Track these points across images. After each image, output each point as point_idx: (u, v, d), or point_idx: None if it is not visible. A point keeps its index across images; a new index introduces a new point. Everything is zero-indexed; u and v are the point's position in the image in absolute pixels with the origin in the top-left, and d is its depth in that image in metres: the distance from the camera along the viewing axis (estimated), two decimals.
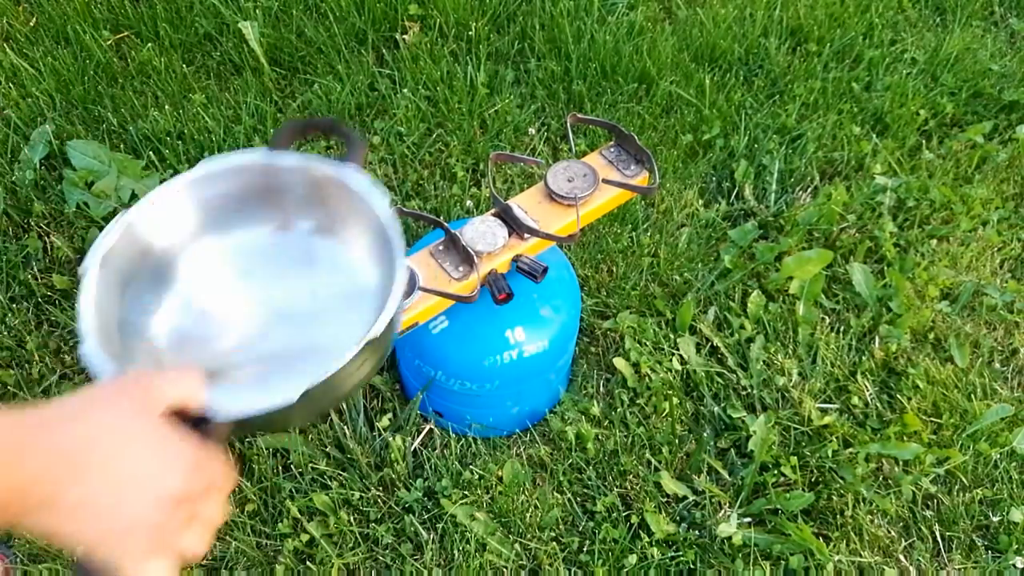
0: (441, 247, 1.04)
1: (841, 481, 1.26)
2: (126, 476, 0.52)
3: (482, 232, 1.04)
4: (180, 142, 1.67)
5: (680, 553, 1.19)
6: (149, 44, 1.86)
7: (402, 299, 0.75)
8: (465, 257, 1.02)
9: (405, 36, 1.89)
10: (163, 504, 0.53)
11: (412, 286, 1.02)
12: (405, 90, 1.77)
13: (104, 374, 0.67)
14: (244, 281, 0.87)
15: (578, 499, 1.26)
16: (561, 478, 1.27)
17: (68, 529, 0.51)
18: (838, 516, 1.23)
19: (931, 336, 1.45)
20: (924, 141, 1.77)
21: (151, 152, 1.64)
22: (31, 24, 1.92)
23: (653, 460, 1.28)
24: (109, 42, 1.87)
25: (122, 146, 1.67)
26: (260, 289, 0.86)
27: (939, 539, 1.23)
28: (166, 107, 1.72)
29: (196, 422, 0.64)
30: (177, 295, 0.85)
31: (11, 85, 1.76)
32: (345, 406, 1.28)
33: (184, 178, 0.83)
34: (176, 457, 0.55)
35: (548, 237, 1.03)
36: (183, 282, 0.85)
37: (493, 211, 1.07)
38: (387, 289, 0.78)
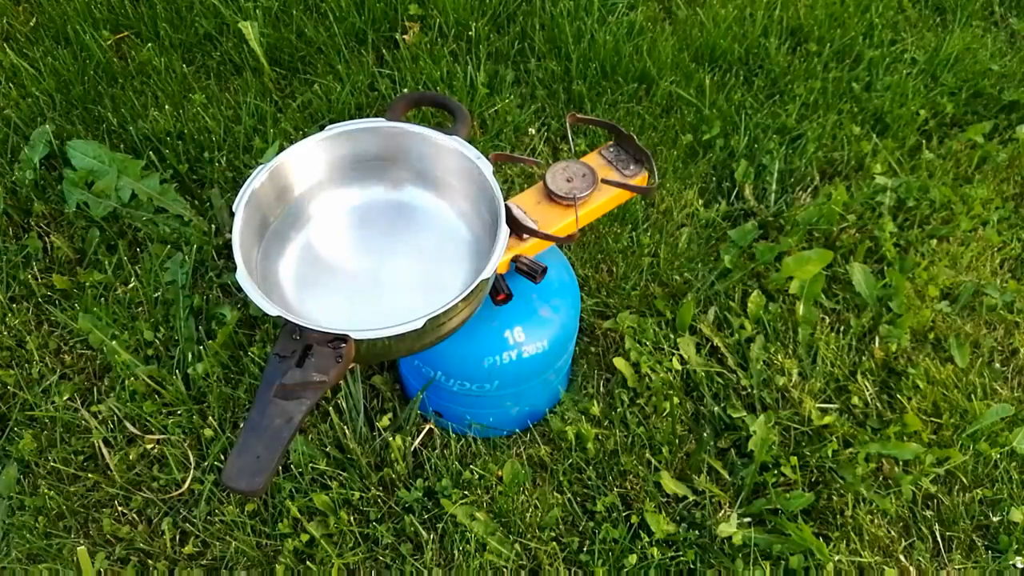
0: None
1: (841, 481, 1.26)
2: None
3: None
4: (180, 142, 1.67)
5: (680, 553, 1.19)
6: (149, 44, 1.86)
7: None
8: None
9: (405, 36, 1.89)
10: None
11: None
12: (405, 90, 1.77)
13: (251, 295, 0.83)
14: (360, 231, 1.05)
15: (578, 499, 1.26)
16: (561, 478, 1.27)
17: None
18: (838, 516, 1.23)
19: (931, 336, 1.45)
20: (924, 141, 1.77)
21: (151, 152, 1.64)
22: (31, 24, 1.92)
23: (653, 460, 1.28)
24: (109, 42, 1.87)
25: (122, 146, 1.67)
26: (373, 239, 1.04)
27: (939, 539, 1.23)
28: (166, 107, 1.72)
29: (334, 342, 0.77)
30: (303, 239, 1.03)
31: (11, 85, 1.77)
32: (345, 405, 1.29)
33: (315, 138, 1.01)
34: None
35: (547, 237, 1.02)
36: (310, 228, 1.04)
37: None
38: (484, 243, 0.98)
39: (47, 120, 1.69)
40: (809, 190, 1.67)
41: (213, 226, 1.55)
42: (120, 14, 1.91)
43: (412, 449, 1.28)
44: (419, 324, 0.84)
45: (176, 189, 1.59)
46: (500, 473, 1.26)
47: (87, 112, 1.73)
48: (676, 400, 1.33)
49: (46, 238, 1.54)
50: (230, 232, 0.92)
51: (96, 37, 1.84)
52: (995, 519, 1.25)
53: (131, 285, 1.46)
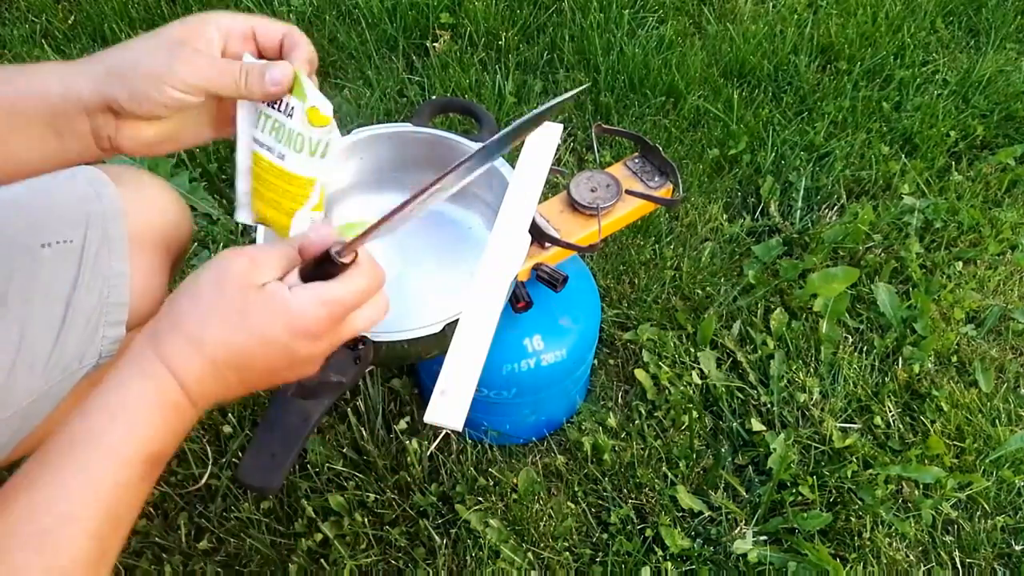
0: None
1: (860, 502, 1.25)
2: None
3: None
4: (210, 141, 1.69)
5: (694, 568, 1.18)
6: None
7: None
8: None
9: (436, 44, 1.91)
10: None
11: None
12: (433, 96, 1.78)
13: None
14: (384, 234, 0.99)
15: (593, 510, 1.25)
16: (576, 488, 1.26)
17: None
18: (856, 538, 1.22)
19: (955, 359, 1.43)
20: (953, 163, 1.76)
21: (181, 150, 1.66)
22: (69, 22, 1.95)
23: (670, 474, 1.27)
24: None
25: None
26: (396, 243, 1.03)
27: (959, 565, 1.21)
28: None
29: (352, 343, 0.76)
30: None
31: None
32: (364, 407, 1.29)
33: (342, 141, 1.00)
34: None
35: (569, 246, 1.02)
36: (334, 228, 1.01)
37: None
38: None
39: None
40: (835, 208, 1.66)
41: (240, 226, 1.57)
42: (156, 14, 1.94)
43: (428, 453, 1.28)
44: (437, 328, 0.85)
45: (205, 188, 1.61)
46: (515, 481, 1.26)
47: None
48: (695, 414, 1.32)
49: None
50: (255, 232, 0.93)
51: (132, 36, 1.87)
52: (1017, 548, 1.23)
53: None
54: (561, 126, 1.04)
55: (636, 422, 1.33)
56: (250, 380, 0.61)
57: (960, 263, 1.56)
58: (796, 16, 2.01)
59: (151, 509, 1.24)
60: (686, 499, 1.24)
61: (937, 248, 1.59)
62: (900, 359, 1.42)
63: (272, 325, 0.58)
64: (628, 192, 1.06)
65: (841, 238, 1.56)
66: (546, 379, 1.17)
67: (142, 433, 0.56)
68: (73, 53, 1.85)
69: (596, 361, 1.40)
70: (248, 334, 0.58)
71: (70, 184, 0.82)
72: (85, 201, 0.82)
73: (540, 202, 1.09)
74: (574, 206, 1.05)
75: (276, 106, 0.70)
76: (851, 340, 1.44)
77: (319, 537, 1.19)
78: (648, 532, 1.21)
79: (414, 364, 1.34)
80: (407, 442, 1.26)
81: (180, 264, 0.97)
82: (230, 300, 0.58)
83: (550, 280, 1.01)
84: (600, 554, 1.20)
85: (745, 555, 1.18)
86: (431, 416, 0.79)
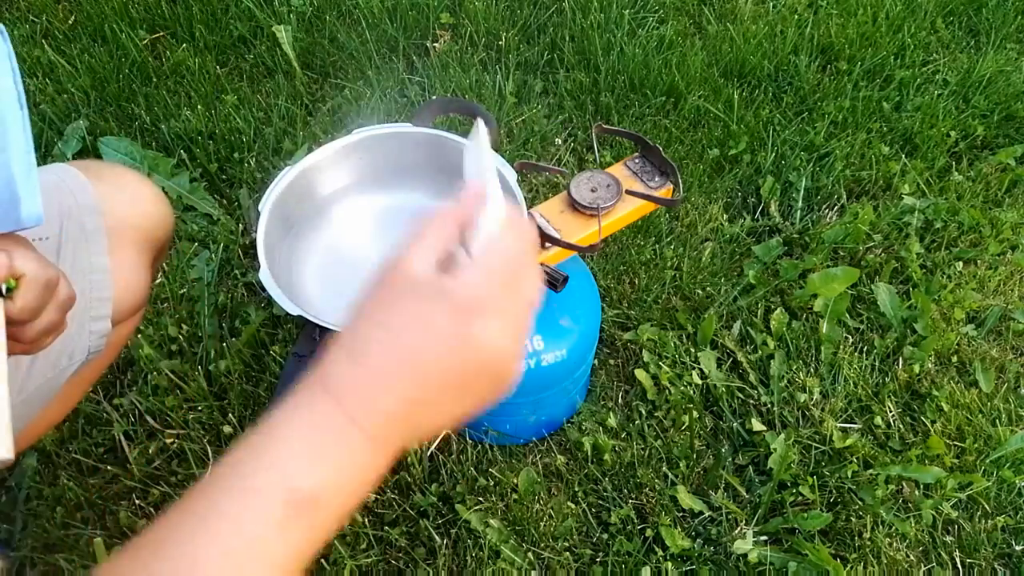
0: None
1: (860, 502, 1.25)
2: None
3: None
4: (211, 141, 1.69)
5: (694, 568, 1.18)
6: (184, 45, 1.89)
7: None
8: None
9: (436, 44, 1.91)
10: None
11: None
12: (434, 97, 1.78)
13: (273, 294, 0.85)
14: (384, 234, 1.05)
15: (593, 510, 1.25)
16: (576, 488, 1.26)
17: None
18: (856, 538, 1.22)
19: (955, 359, 1.43)
20: (954, 163, 1.76)
21: (182, 150, 1.66)
22: (69, 22, 1.95)
23: (670, 474, 1.27)
24: (145, 41, 1.90)
25: (154, 144, 1.70)
26: (396, 242, 0.97)
27: (959, 565, 1.21)
28: (198, 107, 1.74)
29: None
30: (327, 240, 1.04)
31: (48, 80, 1.80)
32: None
33: (343, 141, 1.03)
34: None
35: (569, 247, 1.03)
36: (334, 229, 1.05)
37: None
38: None
39: (81, 116, 1.72)
40: (835, 208, 1.66)
41: (240, 225, 1.57)
42: (157, 14, 1.94)
43: (429, 454, 1.28)
44: None
45: (205, 188, 1.61)
46: (515, 481, 1.26)
47: (120, 109, 1.75)
48: (695, 414, 1.32)
49: None
50: (256, 232, 0.93)
51: (132, 36, 1.87)
52: (1018, 548, 1.23)
53: (158, 281, 1.47)
54: (483, 122, 1.03)
55: (636, 422, 1.33)
56: (429, 390, 0.48)
57: (960, 263, 1.56)
58: (796, 16, 2.01)
59: (152, 509, 1.24)
60: (686, 499, 1.24)
61: (937, 248, 1.59)
62: (900, 359, 1.42)
63: (430, 311, 0.49)
64: (628, 192, 1.06)
65: (841, 238, 1.56)
66: (546, 379, 1.16)
67: (284, 468, 0.46)
68: (73, 53, 1.85)
69: (596, 361, 1.40)
70: (402, 325, 0.49)
71: (43, 182, 0.82)
72: (59, 198, 0.82)
73: (541, 202, 1.10)
74: (574, 206, 1.05)
75: None
76: (851, 340, 1.44)
77: None
78: (648, 532, 1.21)
79: None
80: None
81: (162, 259, 0.96)
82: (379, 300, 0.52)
83: (550, 280, 1.01)
84: (600, 554, 1.20)
85: (745, 555, 1.18)
86: None
